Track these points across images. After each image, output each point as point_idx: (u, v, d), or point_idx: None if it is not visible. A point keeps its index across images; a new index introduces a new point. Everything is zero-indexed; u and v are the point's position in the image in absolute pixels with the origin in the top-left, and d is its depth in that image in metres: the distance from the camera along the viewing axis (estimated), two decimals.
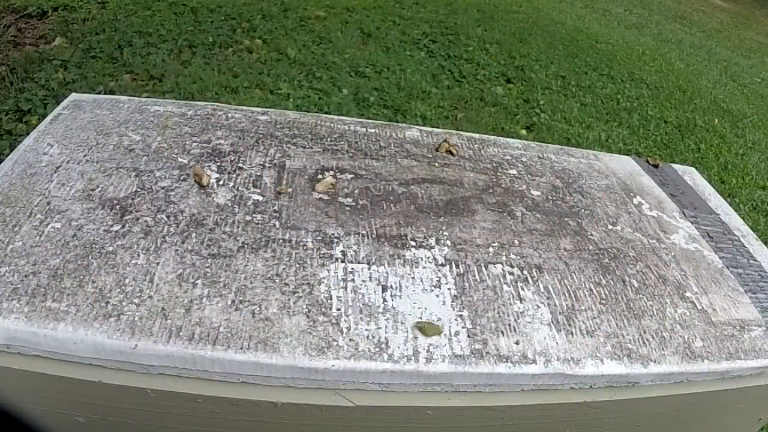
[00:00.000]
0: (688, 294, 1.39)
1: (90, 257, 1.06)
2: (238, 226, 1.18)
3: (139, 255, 1.08)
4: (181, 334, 0.96)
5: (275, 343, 0.97)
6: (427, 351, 1.03)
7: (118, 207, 1.18)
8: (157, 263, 1.07)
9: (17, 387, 0.96)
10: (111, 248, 1.08)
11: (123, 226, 1.13)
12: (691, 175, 1.97)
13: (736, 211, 1.77)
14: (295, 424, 1.03)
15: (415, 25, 4.33)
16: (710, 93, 5.00)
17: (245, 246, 1.14)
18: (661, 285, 1.39)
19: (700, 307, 1.36)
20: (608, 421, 1.28)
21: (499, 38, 4.71)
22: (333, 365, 0.97)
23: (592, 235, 1.47)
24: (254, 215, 1.22)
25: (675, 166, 2.00)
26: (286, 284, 1.08)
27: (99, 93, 2.98)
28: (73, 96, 1.56)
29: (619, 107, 4.04)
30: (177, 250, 1.10)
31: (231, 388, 0.97)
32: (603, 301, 1.27)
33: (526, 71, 4.17)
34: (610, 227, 1.52)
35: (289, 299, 1.05)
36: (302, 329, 1.00)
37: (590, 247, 1.42)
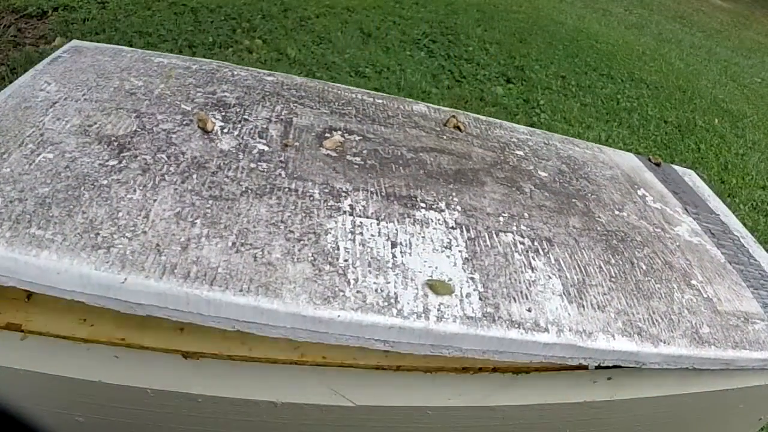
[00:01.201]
0: (693, 282, 1.31)
1: (82, 189, 0.94)
2: (242, 172, 1.07)
3: (135, 190, 0.96)
4: (175, 271, 0.85)
5: (277, 289, 0.87)
6: (438, 310, 0.93)
7: (115, 144, 1.06)
8: (154, 200, 0.96)
9: (17, 387, 0.89)
10: (105, 182, 0.97)
11: (120, 162, 1.02)
12: (690, 177, 1.91)
13: (736, 211, 1.71)
14: (295, 424, 0.94)
15: (415, 25, 4.22)
16: (710, 93, 4.82)
17: (249, 191, 1.03)
18: (668, 270, 1.31)
19: (705, 296, 1.29)
20: (608, 421, 1.20)
21: (499, 38, 4.57)
22: (338, 316, 0.86)
23: (599, 217, 1.38)
24: (259, 163, 1.11)
25: (675, 167, 1.94)
26: (291, 231, 0.97)
27: None
28: (74, 42, 1.45)
29: (619, 107, 3.92)
30: (176, 189, 0.99)
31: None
32: (613, 279, 1.19)
33: (526, 71, 4.05)
34: (616, 212, 1.44)
35: (293, 246, 0.94)
36: (307, 277, 0.90)
37: (598, 228, 1.33)
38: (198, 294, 0.83)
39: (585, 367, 1.18)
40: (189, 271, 0.85)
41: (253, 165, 1.10)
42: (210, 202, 0.98)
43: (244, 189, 1.03)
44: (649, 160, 1.87)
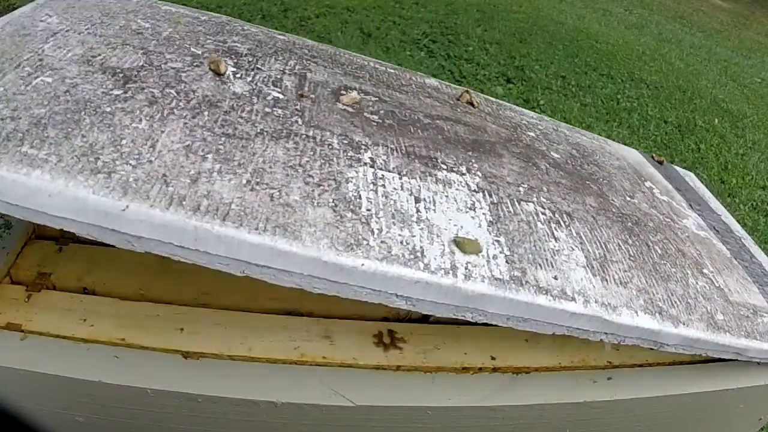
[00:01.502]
0: (705, 271, 1.24)
1: (83, 113, 0.82)
2: (256, 115, 0.96)
3: (141, 120, 0.85)
4: (184, 203, 0.73)
5: (296, 231, 0.75)
6: (466, 268, 0.83)
7: (120, 75, 0.94)
8: (162, 131, 0.84)
9: (17, 387, 0.83)
10: (109, 109, 0.85)
11: (125, 92, 0.90)
12: (690, 178, 1.85)
13: (736, 211, 1.65)
14: (295, 424, 0.87)
15: (415, 25, 4.06)
16: (710, 93, 4.59)
17: (264, 133, 0.92)
18: (681, 257, 1.23)
19: (717, 285, 1.21)
20: (608, 421, 1.12)
21: (499, 38, 4.35)
22: (362, 264, 0.76)
23: (613, 200, 1.30)
24: (274, 109, 1.00)
25: (675, 167, 1.88)
26: (310, 176, 0.86)
27: None
28: None
29: (619, 107, 3.76)
30: (186, 123, 0.87)
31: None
32: (632, 258, 1.10)
33: (526, 71, 3.88)
34: (628, 198, 1.37)
35: (313, 190, 0.83)
36: (328, 222, 0.79)
37: (613, 210, 1.25)
38: (208, 229, 0.71)
39: (587, 367, 1.11)
40: (199, 204, 0.73)
41: (267, 110, 0.99)
42: (223, 139, 0.87)
43: (259, 130, 0.92)
44: (652, 157, 1.81)
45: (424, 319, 1.07)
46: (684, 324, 1.03)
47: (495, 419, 0.97)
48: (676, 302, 1.07)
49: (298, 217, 0.77)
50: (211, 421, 0.87)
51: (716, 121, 3.63)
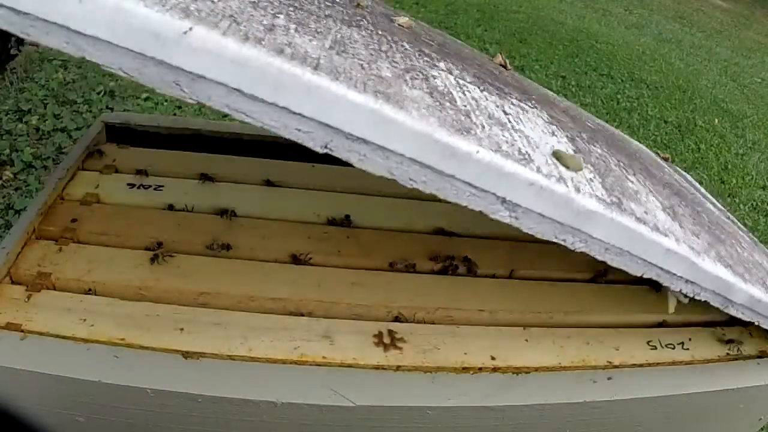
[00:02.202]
0: (743, 245, 1.15)
1: None
2: (320, 2, 0.78)
3: None
4: (263, 42, 0.54)
5: (400, 101, 0.57)
6: (572, 181, 0.68)
7: None
8: None
9: (17, 387, 0.79)
10: None
11: None
12: (690, 179, 1.81)
13: (736, 211, 1.59)
14: (295, 424, 0.85)
15: None
16: (710, 93, 4.31)
17: (333, 17, 0.74)
18: (723, 228, 1.14)
19: (755, 259, 1.13)
20: (608, 421, 1.02)
21: (499, 38, 4.09)
22: (477, 152, 0.58)
23: (653, 170, 1.20)
24: (335, 5, 0.82)
25: (677, 167, 1.83)
26: (395, 62, 0.69)
27: (99, 93, 2.44)
28: None
29: (619, 107, 3.55)
30: None
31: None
32: (692, 216, 0.99)
33: (526, 71, 3.60)
34: (661, 174, 1.27)
35: (403, 74, 0.66)
36: (429, 104, 0.61)
37: (657, 177, 1.15)
38: (297, 74, 0.52)
39: (587, 367, 1.00)
40: (282, 49, 0.54)
41: (329, 3, 0.81)
42: (291, 8, 0.68)
43: (327, 14, 0.74)
44: (658, 155, 1.75)
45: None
46: (750, 283, 0.92)
47: (495, 419, 0.90)
48: (737, 262, 0.96)
49: (396, 89, 0.59)
50: (211, 421, 0.83)
51: (716, 121, 3.59)
